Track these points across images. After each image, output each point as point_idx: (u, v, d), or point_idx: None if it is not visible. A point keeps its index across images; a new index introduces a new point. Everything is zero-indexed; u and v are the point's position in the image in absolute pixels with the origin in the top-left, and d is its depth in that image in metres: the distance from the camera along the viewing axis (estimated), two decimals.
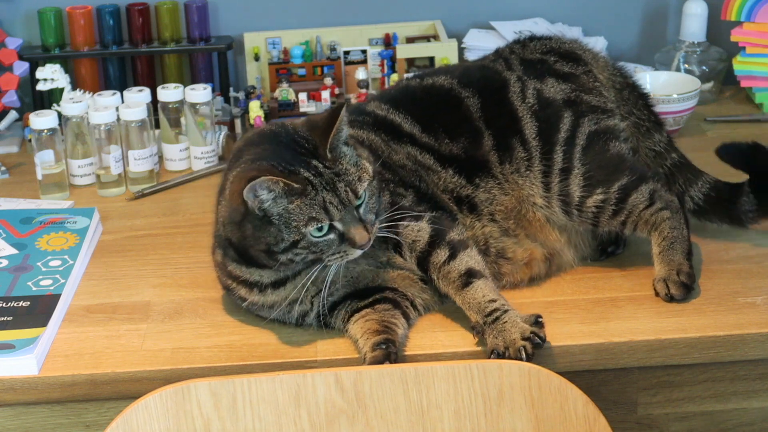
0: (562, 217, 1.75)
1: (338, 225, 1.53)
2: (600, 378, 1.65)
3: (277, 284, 1.62)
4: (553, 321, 1.65)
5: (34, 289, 1.74)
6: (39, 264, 1.81)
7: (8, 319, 1.66)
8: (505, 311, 1.57)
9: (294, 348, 1.61)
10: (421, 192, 1.70)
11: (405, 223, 1.64)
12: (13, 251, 1.85)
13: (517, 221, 1.75)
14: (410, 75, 2.05)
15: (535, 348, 1.54)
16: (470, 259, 1.62)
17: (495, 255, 1.72)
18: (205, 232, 1.96)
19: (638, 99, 1.90)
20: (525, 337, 1.54)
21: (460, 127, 1.77)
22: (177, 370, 1.58)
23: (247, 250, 1.57)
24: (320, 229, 1.52)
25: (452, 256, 1.62)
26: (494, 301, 1.58)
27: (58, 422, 1.63)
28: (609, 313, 1.67)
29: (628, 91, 1.90)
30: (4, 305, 1.70)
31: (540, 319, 1.57)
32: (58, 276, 1.78)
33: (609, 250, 1.81)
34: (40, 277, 1.78)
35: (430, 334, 1.63)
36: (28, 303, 1.70)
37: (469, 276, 1.60)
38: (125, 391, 1.58)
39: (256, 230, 1.54)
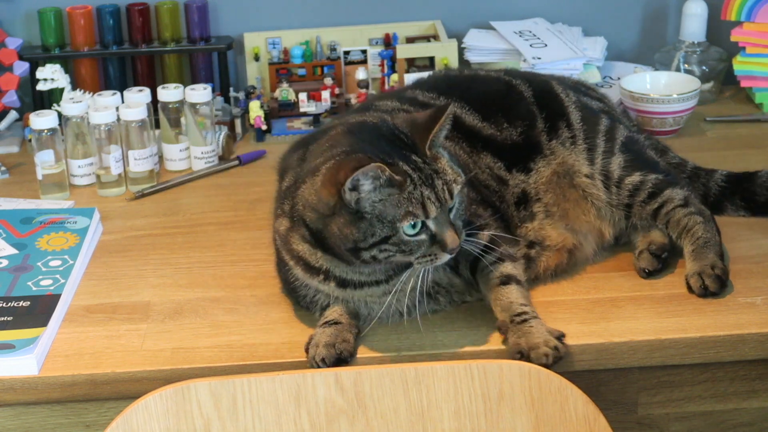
0: (603, 192, 1.77)
1: (431, 225, 1.51)
2: (600, 378, 1.65)
3: (343, 283, 1.60)
4: (553, 321, 1.65)
5: (34, 289, 1.74)
6: (39, 264, 1.81)
7: (8, 319, 1.66)
8: (534, 317, 1.58)
9: (294, 348, 1.61)
10: (498, 213, 1.71)
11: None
12: (13, 251, 1.85)
13: (555, 195, 1.77)
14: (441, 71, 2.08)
15: (555, 360, 1.53)
16: (514, 268, 1.64)
17: (539, 246, 1.73)
18: (205, 232, 1.96)
19: (643, 132, 2.03)
20: (549, 346, 1.54)
21: (516, 110, 1.80)
22: (177, 370, 1.58)
23: (328, 242, 1.55)
24: (414, 226, 1.50)
25: (499, 260, 1.63)
26: (525, 305, 1.59)
27: (58, 422, 1.63)
28: (609, 313, 1.67)
29: (636, 128, 2.01)
30: (4, 305, 1.70)
31: (563, 338, 1.57)
32: (58, 276, 1.78)
33: (663, 256, 1.76)
34: (40, 277, 1.78)
35: (430, 334, 1.63)
36: (28, 303, 1.70)
37: (508, 279, 1.62)
38: (125, 391, 1.58)
39: (345, 226, 1.51)
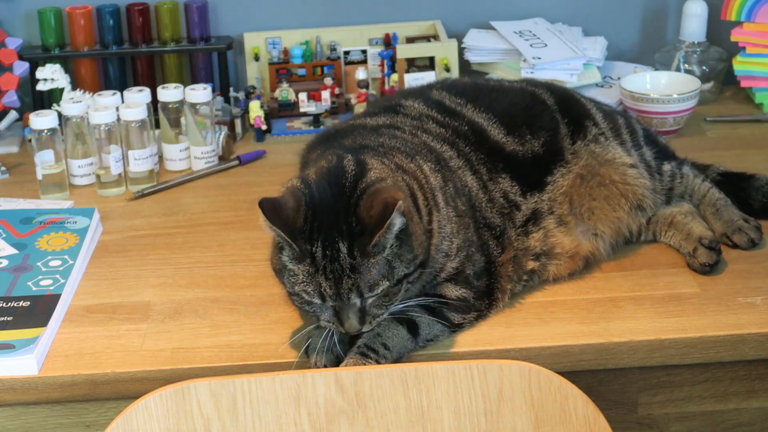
0: (648, 180, 1.82)
1: (333, 304, 1.51)
2: (600, 378, 1.65)
3: None
4: (553, 321, 1.65)
5: (34, 289, 1.74)
6: (39, 264, 1.81)
7: (8, 319, 1.66)
8: (376, 361, 1.53)
9: (294, 348, 1.61)
10: (490, 260, 1.67)
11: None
12: (13, 251, 1.85)
13: (577, 199, 1.77)
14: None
15: None
16: (428, 331, 1.59)
17: (546, 257, 1.73)
18: (205, 232, 1.96)
19: None
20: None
21: (540, 120, 1.80)
22: (177, 370, 1.58)
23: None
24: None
25: (432, 311, 1.60)
26: (386, 352, 1.54)
27: (58, 422, 1.63)
28: (609, 313, 1.67)
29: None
30: (4, 305, 1.70)
31: None
32: (58, 276, 1.78)
33: (718, 247, 1.77)
34: (40, 277, 1.78)
35: None
36: (28, 303, 1.70)
37: (413, 327, 1.58)
38: (125, 391, 1.58)
39: (273, 247, 1.55)
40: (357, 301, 1.50)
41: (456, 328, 1.62)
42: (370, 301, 1.51)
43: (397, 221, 1.48)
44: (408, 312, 1.58)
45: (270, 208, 1.49)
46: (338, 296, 1.49)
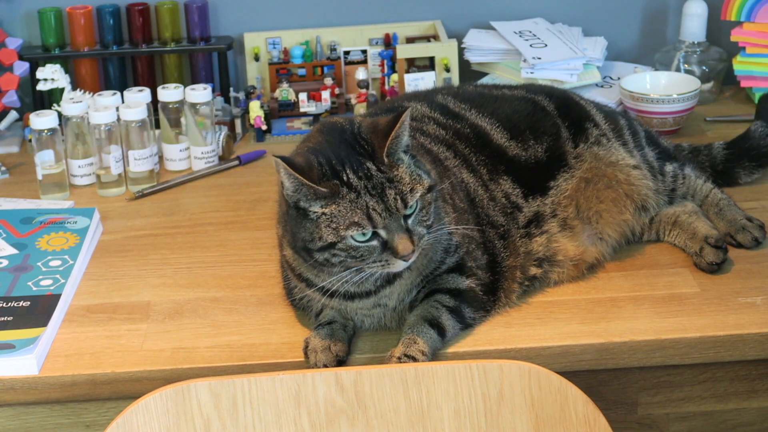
0: (651, 181, 1.83)
1: (382, 232, 1.50)
2: (600, 378, 1.65)
3: (329, 293, 1.58)
4: (553, 321, 1.65)
5: (34, 289, 1.74)
6: (39, 264, 1.81)
7: (8, 319, 1.66)
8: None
9: (294, 348, 1.61)
10: (494, 260, 1.68)
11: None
12: (13, 251, 1.85)
13: (584, 202, 1.77)
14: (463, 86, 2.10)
15: None
16: (452, 327, 1.60)
17: (548, 264, 1.73)
18: (205, 232, 1.96)
19: None
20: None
21: (543, 126, 1.81)
22: (177, 370, 1.58)
23: (290, 242, 1.57)
24: (363, 234, 1.49)
25: (450, 310, 1.61)
26: (425, 355, 1.55)
27: (58, 422, 1.63)
28: (609, 313, 1.67)
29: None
30: (4, 305, 1.70)
31: None
32: (58, 276, 1.78)
33: (724, 246, 1.77)
34: (40, 277, 1.78)
35: None
36: (28, 303, 1.70)
37: (438, 326, 1.59)
38: (125, 391, 1.58)
39: (294, 223, 1.53)
40: (402, 216, 1.50)
41: (467, 327, 1.63)
42: (411, 219, 1.51)
43: (405, 132, 1.52)
44: (437, 316, 1.59)
45: (291, 163, 1.49)
46: (387, 210, 1.49)
